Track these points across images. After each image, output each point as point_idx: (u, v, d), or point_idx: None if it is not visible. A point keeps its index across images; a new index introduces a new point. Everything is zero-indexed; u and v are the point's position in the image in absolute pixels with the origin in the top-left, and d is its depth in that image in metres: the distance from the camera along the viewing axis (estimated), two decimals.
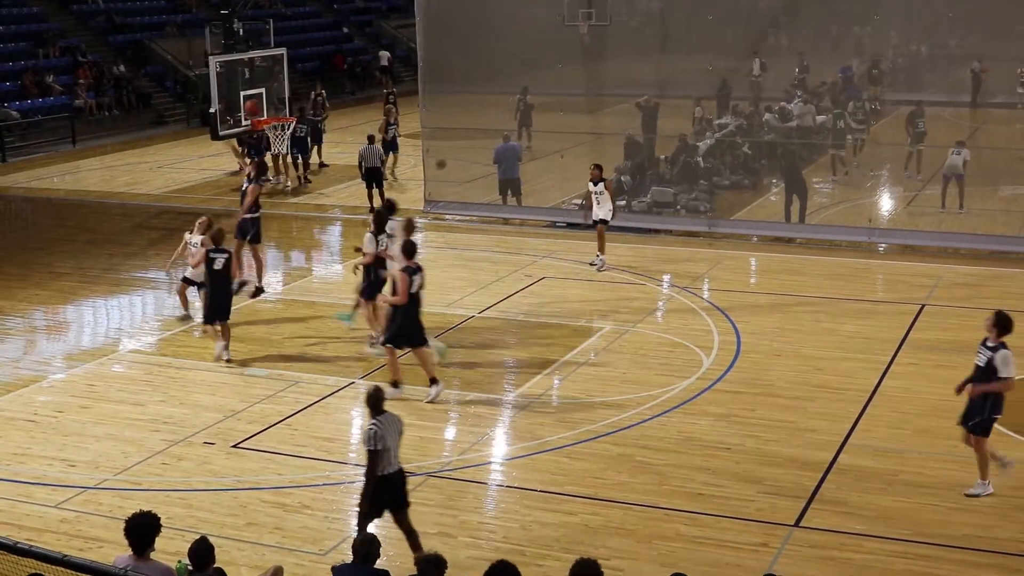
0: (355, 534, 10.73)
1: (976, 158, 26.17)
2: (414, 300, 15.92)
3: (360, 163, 28.11)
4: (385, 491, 11.07)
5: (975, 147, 26.95)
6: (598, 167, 22.34)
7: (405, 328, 15.88)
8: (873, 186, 27.88)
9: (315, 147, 33.92)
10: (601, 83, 32.35)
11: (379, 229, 17.63)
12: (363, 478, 11.12)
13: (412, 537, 11.44)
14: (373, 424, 10.86)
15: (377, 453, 10.77)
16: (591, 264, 22.43)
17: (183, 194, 30.97)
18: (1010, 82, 31.60)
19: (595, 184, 22.14)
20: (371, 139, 28.58)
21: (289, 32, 50.38)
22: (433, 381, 16.03)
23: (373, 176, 28.01)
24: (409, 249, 16.07)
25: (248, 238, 20.84)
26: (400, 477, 11.23)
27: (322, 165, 34.09)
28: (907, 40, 32.14)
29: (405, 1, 51.49)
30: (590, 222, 23.03)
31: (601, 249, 22.37)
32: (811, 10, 30.38)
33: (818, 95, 32.28)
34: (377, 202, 27.97)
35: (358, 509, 11.21)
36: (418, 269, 15.90)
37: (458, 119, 31.75)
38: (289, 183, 31.52)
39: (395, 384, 15.84)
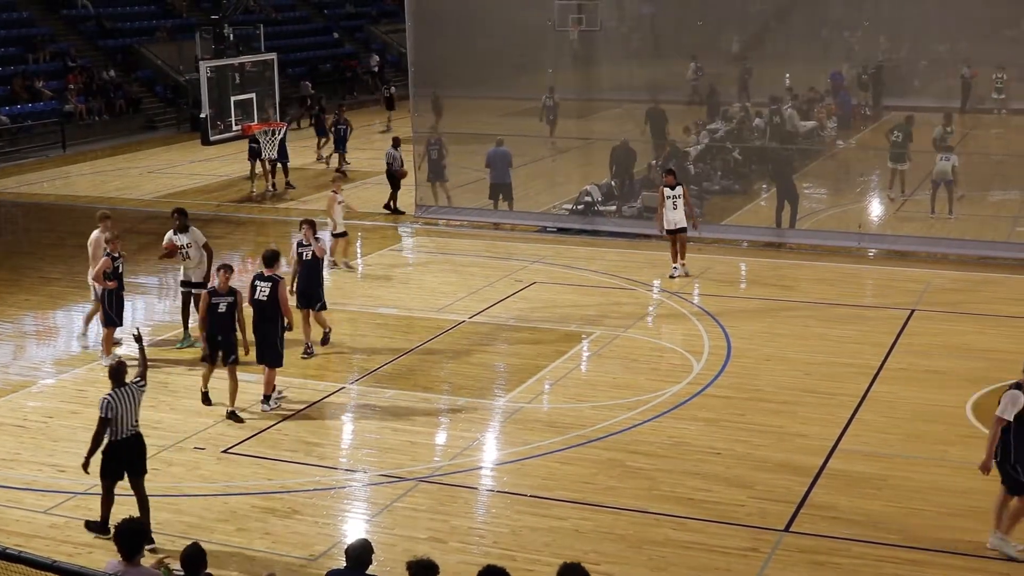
0: (350, 538, 10.71)
1: (965, 163, 26.23)
2: (256, 309, 15.94)
3: (389, 165, 28.27)
4: (119, 455, 12.14)
5: (964, 152, 27.01)
6: (672, 172, 22.24)
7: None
8: (863, 191, 27.94)
9: (339, 153, 33.92)
10: (591, 88, 32.40)
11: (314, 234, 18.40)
12: None
13: (142, 504, 12.27)
14: (108, 395, 12.07)
15: (104, 420, 11.97)
16: (671, 277, 21.94)
17: (174, 199, 30.86)
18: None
19: (672, 189, 21.75)
20: (396, 142, 28.61)
21: (279, 37, 50.36)
22: (265, 398, 16.04)
23: (389, 179, 28.14)
24: (267, 258, 16.14)
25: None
26: (134, 443, 12.23)
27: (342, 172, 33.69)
28: (897, 45, 32.22)
29: (395, 6, 51.57)
30: (666, 229, 21.95)
31: (682, 256, 22.08)
32: (801, 15, 30.43)
33: (809, 100, 32.38)
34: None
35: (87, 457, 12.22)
36: (269, 279, 15.89)
37: (449, 123, 31.77)
38: (271, 188, 31.45)
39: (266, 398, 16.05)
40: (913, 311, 19.86)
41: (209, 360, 15.80)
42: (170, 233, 18.79)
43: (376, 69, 53.38)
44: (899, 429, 15.00)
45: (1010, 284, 21.77)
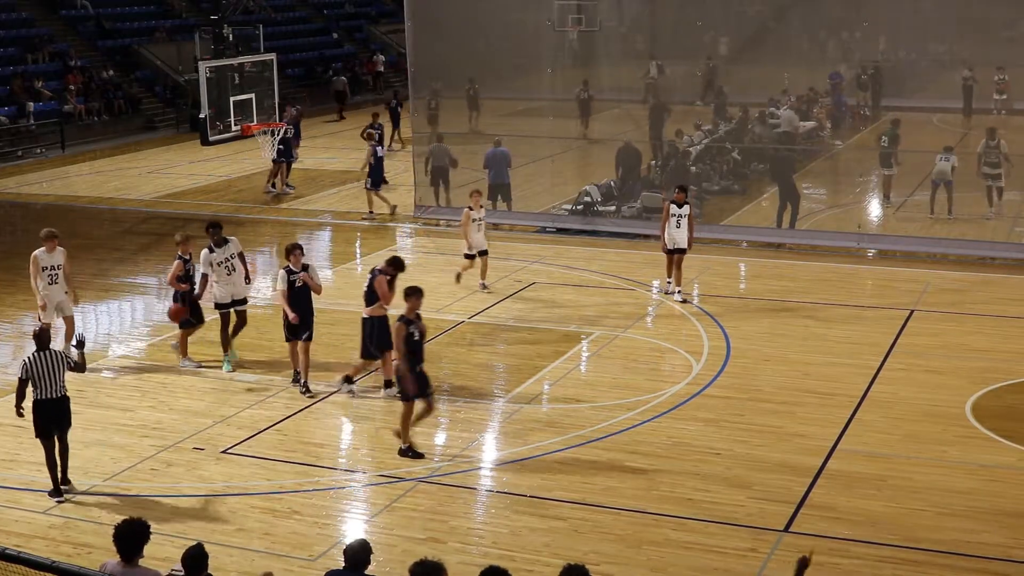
0: (349, 539, 10.73)
1: (965, 164, 26.20)
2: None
3: (427, 161, 28.04)
4: (47, 413, 13.17)
5: (963, 153, 26.99)
6: (683, 189, 20.70)
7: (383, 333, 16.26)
8: (862, 192, 27.93)
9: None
10: (590, 88, 32.45)
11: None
12: None
13: (63, 458, 13.37)
14: (28, 357, 13.17)
15: (21, 381, 13.22)
16: (668, 294, 20.74)
17: (173, 199, 30.94)
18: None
19: (679, 207, 20.29)
20: (440, 138, 28.53)
21: (279, 37, 50.38)
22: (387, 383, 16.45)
23: (439, 175, 27.99)
24: (394, 262, 16.50)
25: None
26: (61, 404, 13.26)
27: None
28: (896, 46, 32.23)
29: (395, 6, 51.66)
30: (669, 248, 20.50)
31: (678, 281, 20.60)
32: (800, 16, 30.45)
33: (808, 101, 32.40)
34: (442, 200, 27.97)
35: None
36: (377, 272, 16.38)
37: (448, 124, 31.77)
38: (274, 188, 31.33)
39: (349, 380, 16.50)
40: (912, 311, 19.86)
41: (425, 396, 14.47)
42: (205, 252, 17.38)
43: (381, 69, 53.46)
44: (898, 429, 15.01)
45: (1010, 284, 21.78)
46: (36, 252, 17.69)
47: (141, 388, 16.91)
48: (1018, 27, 29.86)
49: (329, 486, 13.77)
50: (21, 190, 32.94)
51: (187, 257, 17.50)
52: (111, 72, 44.30)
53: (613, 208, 27.16)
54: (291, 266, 16.30)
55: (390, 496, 13.38)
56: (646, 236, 25.30)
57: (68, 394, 13.40)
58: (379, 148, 28.30)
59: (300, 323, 16.36)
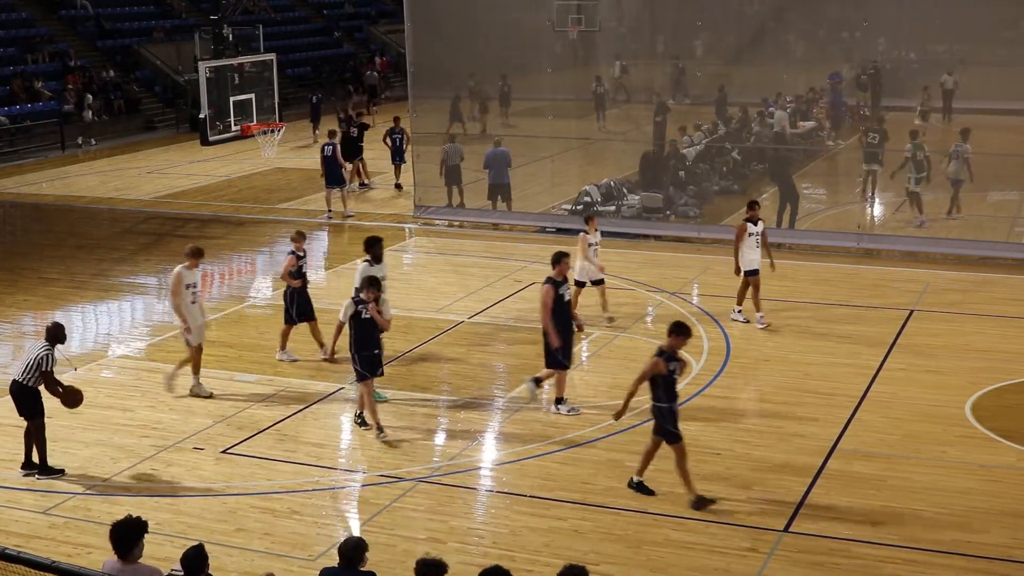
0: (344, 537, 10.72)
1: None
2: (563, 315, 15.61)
3: (443, 162, 27.95)
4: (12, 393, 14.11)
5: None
6: (756, 203, 19.26)
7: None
8: (862, 191, 27.92)
9: (396, 165, 31.31)
10: (590, 88, 32.45)
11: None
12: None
13: (38, 445, 13.97)
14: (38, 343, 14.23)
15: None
16: (744, 322, 19.26)
17: (173, 199, 30.93)
18: (999, 87, 31.62)
19: (755, 224, 18.94)
20: (453, 137, 28.50)
21: (278, 38, 50.39)
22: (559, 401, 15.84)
23: (454, 175, 27.92)
24: (555, 259, 15.68)
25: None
26: (18, 390, 13.94)
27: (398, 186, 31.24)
28: (896, 46, 32.20)
29: (395, 6, 51.68)
30: (748, 270, 19.08)
31: (758, 305, 19.13)
32: (799, 15, 30.44)
33: (808, 101, 32.39)
34: (455, 200, 27.95)
35: None
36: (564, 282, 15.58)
37: (447, 124, 31.76)
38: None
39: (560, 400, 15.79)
40: (912, 311, 19.86)
41: (677, 439, 13.27)
42: (364, 265, 16.48)
43: (379, 69, 53.52)
44: (898, 429, 15.00)
45: (1009, 284, 21.78)
46: (179, 269, 16.25)
47: (141, 388, 16.90)
48: (1019, 27, 29.83)
49: (329, 486, 13.77)
50: (21, 190, 32.94)
51: (301, 253, 17.50)
52: (111, 72, 44.29)
53: (613, 208, 27.16)
54: (362, 296, 14.96)
55: (390, 496, 13.38)
56: (646, 236, 25.29)
57: (29, 387, 13.84)
58: (327, 147, 27.98)
59: (375, 360, 15.07)
